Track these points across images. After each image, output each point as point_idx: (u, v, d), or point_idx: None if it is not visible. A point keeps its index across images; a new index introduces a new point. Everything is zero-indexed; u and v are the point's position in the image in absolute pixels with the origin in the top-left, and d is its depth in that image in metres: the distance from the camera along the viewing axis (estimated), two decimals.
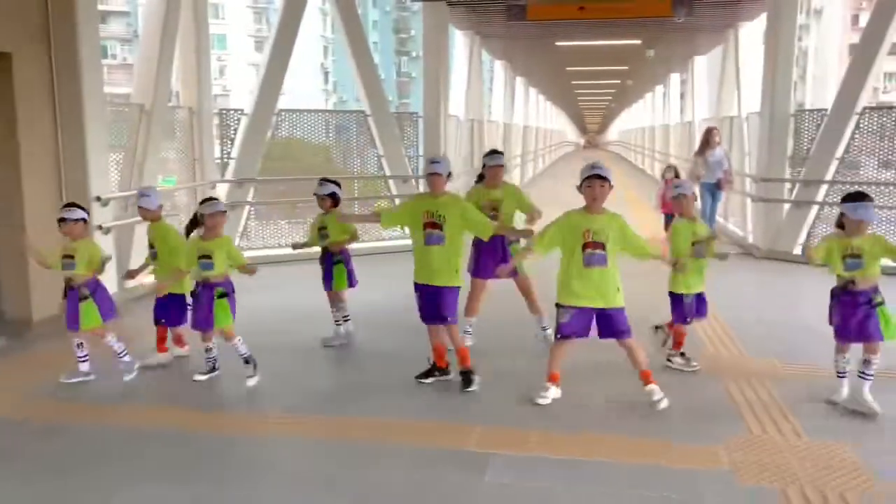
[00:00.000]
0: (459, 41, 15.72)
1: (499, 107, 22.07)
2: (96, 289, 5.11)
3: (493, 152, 5.87)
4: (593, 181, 4.40)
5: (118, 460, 3.94)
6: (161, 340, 5.51)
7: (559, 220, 4.57)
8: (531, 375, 4.90)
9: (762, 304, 7.32)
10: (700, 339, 5.98)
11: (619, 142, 57.54)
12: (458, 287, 4.93)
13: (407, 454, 3.97)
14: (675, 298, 5.24)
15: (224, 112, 9.90)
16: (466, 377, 4.88)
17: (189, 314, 5.21)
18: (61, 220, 5.08)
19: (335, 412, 4.63)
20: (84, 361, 5.14)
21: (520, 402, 4.65)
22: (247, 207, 10.06)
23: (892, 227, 9.23)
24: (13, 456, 4.01)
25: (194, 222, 5.17)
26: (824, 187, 9.84)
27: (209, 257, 4.93)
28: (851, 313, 4.43)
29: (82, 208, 5.21)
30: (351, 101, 67.18)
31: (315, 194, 5.93)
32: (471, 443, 4.09)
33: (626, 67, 21.69)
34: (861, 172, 9.82)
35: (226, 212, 5.21)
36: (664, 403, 4.49)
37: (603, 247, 4.40)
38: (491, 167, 5.71)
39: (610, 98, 38.78)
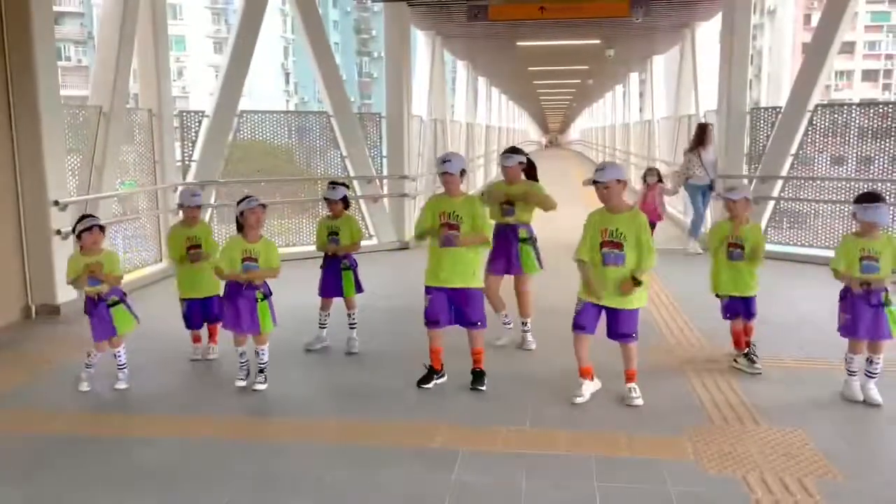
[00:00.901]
0: (421, 41, 15.74)
1: (461, 107, 22.14)
2: (123, 294, 5.03)
3: (512, 150, 5.79)
4: (596, 186, 4.51)
5: (77, 467, 3.88)
6: (197, 339, 5.64)
7: (586, 222, 4.66)
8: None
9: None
10: (659, 329, 6.11)
11: (580, 140, 58.18)
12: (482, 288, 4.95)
13: (400, 455, 3.99)
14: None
15: (185, 114, 9.78)
16: (480, 376, 4.94)
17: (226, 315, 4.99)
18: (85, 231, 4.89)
19: (338, 415, 4.62)
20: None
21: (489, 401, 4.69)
22: (210, 210, 9.94)
23: (843, 222, 9.50)
24: None
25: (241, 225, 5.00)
26: (780, 183, 10.11)
27: (255, 259, 4.83)
28: (862, 313, 4.53)
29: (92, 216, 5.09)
30: (312, 102, 66.80)
31: (326, 199, 5.87)
32: (437, 441, 4.12)
33: (586, 67, 21.93)
34: (815, 168, 10.10)
35: (265, 206, 5.05)
36: (639, 402, 4.58)
37: (620, 246, 4.46)
38: (506, 167, 5.70)
39: (571, 97, 39.15)
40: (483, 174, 25.49)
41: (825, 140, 9.89)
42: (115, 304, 4.94)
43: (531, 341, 5.87)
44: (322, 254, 5.87)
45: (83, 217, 5.05)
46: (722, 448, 3.97)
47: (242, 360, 5.02)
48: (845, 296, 4.64)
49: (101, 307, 4.91)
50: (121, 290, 5.02)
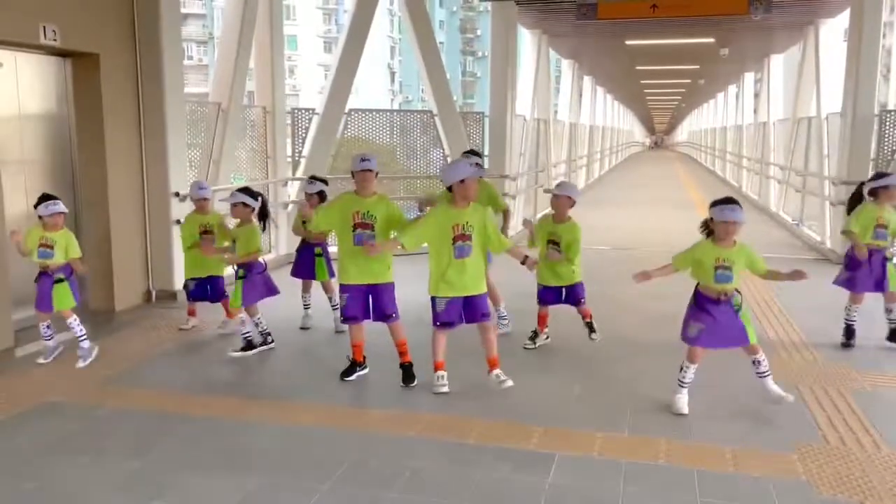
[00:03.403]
0: (527, 40, 15.64)
1: (565, 106, 21.86)
2: (70, 274, 5.47)
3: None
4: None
5: (183, 445, 4.09)
6: (191, 312, 6.45)
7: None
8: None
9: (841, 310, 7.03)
10: (772, 345, 5.82)
11: (687, 142, 56.23)
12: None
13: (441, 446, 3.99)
14: None
15: (296, 111, 10.13)
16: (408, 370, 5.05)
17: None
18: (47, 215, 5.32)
19: (433, 409, 4.69)
20: (51, 339, 5.52)
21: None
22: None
23: None
24: (87, 439, 4.21)
25: (263, 214, 5.75)
26: None
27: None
28: (717, 322, 4.42)
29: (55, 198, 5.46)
30: (416, 101, 67.76)
31: (305, 192, 6.37)
32: (532, 443, 4.09)
33: (697, 66, 21.17)
34: None
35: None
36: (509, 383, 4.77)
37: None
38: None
39: (680, 98, 37.89)
40: (585, 173, 25.08)
41: None
42: (59, 281, 5.36)
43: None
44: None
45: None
46: (837, 470, 3.74)
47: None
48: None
49: (47, 280, 5.35)
50: (70, 270, 5.43)
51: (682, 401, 4.52)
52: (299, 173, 9.90)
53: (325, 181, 6.36)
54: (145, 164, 7.36)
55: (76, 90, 6.81)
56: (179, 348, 5.90)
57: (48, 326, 5.47)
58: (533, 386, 4.94)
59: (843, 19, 12.15)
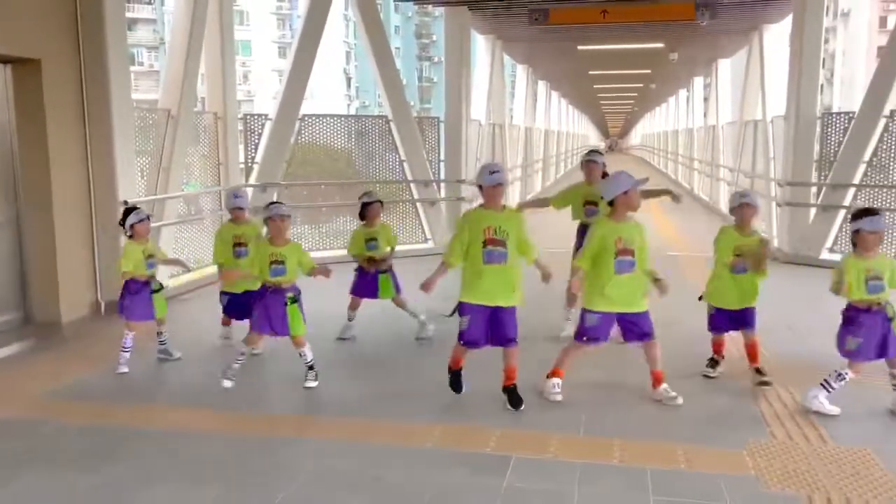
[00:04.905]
0: (481, 45, 15.74)
1: (520, 111, 22.04)
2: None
3: (592, 151, 6.21)
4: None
5: (138, 459, 3.99)
6: (227, 322, 6.07)
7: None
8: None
9: (789, 310, 7.23)
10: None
11: (641, 145, 57.21)
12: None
13: (426, 456, 3.98)
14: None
15: (249, 117, 10.01)
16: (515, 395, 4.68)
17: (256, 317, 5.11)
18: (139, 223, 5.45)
19: (356, 415, 4.66)
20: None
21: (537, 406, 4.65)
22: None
23: None
24: (37, 454, 4.08)
25: None
26: (852, 191, 9.72)
27: (282, 262, 4.94)
28: (872, 334, 4.37)
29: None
30: (373, 107, 67.59)
31: (367, 204, 6.13)
32: (490, 446, 4.10)
33: (648, 71, 21.57)
34: (891, 176, 9.67)
35: (290, 216, 5.11)
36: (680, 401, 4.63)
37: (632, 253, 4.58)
38: (586, 162, 6.09)
39: (632, 102, 38.57)
40: (541, 177, 25.30)
41: None
42: (157, 290, 5.45)
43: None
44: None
45: (132, 209, 5.53)
46: (785, 465, 3.83)
47: (240, 358, 5.06)
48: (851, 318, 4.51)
49: (146, 290, 5.40)
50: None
51: (828, 402, 4.48)
52: (252, 180, 9.78)
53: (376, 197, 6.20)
54: (92, 171, 7.18)
55: (17, 96, 6.61)
56: (129, 360, 5.75)
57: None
58: (489, 389, 4.95)
59: (786, 25, 12.52)
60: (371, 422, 4.48)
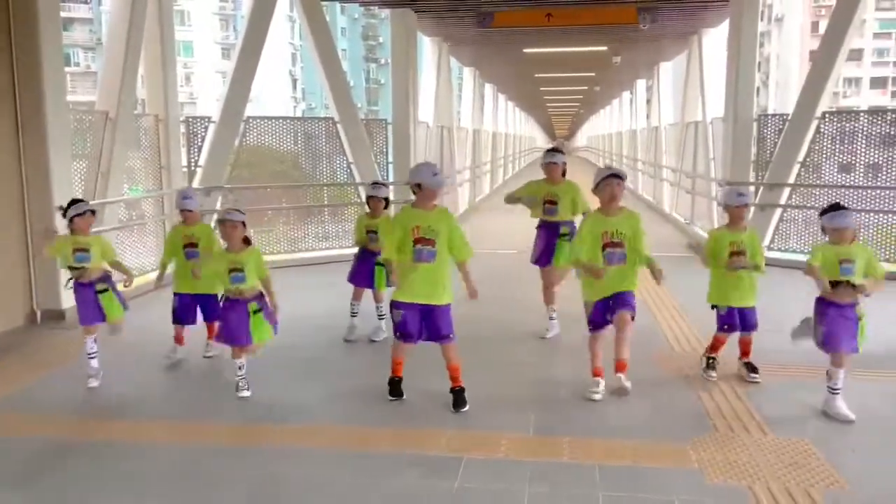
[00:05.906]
0: (428, 48, 15.75)
1: (468, 113, 22.14)
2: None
3: (553, 151, 6.28)
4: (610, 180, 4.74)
5: (77, 472, 3.86)
6: (179, 340, 5.71)
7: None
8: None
9: None
10: (665, 338, 6.07)
11: (587, 147, 58.11)
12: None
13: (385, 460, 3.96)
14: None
15: (191, 119, 9.80)
16: (460, 396, 4.68)
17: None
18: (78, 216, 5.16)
19: (302, 421, 4.60)
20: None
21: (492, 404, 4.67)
22: (215, 215, 9.94)
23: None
24: None
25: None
26: (787, 190, 10.06)
27: (241, 270, 4.80)
28: (842, 326, 4.49)
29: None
30: (320, 109, 67.00)
31: (372, 196, 6.09)
32: (440, 448, 4.10)
33: (593, 74, 21.91)
34: (822, 176, 10.05)
35: (241, 221, 4.90)
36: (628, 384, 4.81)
37: (622, 245, 4.73)
38: (547, 164, 6.14)
39: (578, 104, 39.13)
40: (490, 179, 25.44)
41: (833, 147, 9.84)
42: (104, 290, 5.13)
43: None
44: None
45: (75, 202, 5.28)
46: (727, 457, 3.93)
47: (241, 372, 4.96)
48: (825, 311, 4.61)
49: (90, 290, 5.11)
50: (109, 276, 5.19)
51: (842, 406, 4.48)
52: (195, 183, 9.57)
53: (387, 185, 6.35)
54: (25, 175, 6.93)
55: None
56: (66, 372, 5.56)
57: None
58: (439, 389, 4.95)
59: (724, 29, 12.88)
60: (318, 427, 4.44)
